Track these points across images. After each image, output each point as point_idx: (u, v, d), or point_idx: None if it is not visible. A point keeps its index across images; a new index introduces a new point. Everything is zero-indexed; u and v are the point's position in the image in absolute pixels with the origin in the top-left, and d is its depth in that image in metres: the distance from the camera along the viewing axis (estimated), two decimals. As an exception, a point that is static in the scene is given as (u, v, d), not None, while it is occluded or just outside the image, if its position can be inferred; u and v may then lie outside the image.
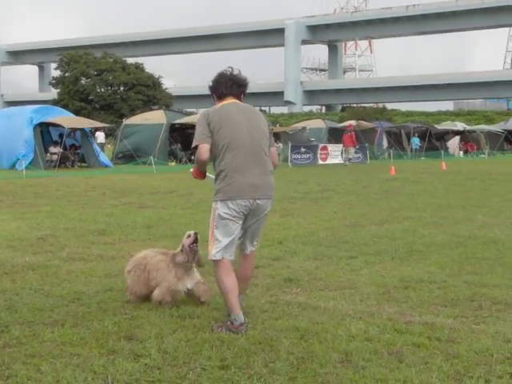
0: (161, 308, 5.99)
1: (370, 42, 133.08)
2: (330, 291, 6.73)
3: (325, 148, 36.96)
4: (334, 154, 36.92)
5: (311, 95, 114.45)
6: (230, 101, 5.54)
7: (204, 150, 5.36)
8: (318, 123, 45.26)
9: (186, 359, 4.68)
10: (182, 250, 5.98)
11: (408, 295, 6.53)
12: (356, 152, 37.04)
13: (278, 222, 11.64)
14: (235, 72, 5.62)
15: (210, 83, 5.65)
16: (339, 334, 5.22)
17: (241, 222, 5.48)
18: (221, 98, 5.57)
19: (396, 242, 9.60)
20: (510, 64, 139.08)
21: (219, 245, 5.39)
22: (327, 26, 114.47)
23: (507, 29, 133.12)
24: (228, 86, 5.52)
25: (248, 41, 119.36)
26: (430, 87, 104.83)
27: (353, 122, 41.55)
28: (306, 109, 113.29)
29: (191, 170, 5.88)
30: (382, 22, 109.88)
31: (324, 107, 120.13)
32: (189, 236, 6.00)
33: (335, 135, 41.66)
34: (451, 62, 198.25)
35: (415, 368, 4.54)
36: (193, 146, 5.45)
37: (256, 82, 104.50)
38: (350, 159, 34.82)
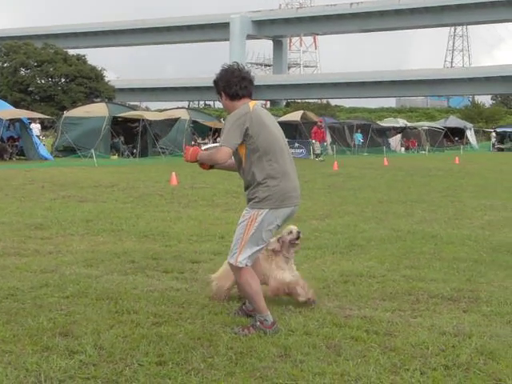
0: (98, 303, 5.90)
1: (314, 38, 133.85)
2: (270, 286, 6.72)
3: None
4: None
5: (256, 90, 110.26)
6: (253, 102, 5.35)
7: (228, 155, 5.14)
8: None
9: (123, 355, 4.61)
10: (278, 240, 5.92)
11: (347, 289, 6.58)
12: (299, 147, 37.22)
13: (220, 217, 11.60)
14: (243, 69, 5.42)
15: (218, 80, 5.38)
16: (279, 329, 5.21)
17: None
18: (234, 98, 5.33)
19: (337, 237, 9.67)
20: (451, 62, 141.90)
21: (250, 252, 5.22)
22: (272, 22, 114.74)
23: (448, 28, 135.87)
24: (243, 86, 5.31)
25: (192, 35, 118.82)
26: (373, 84, 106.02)
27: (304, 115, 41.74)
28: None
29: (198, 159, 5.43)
30: (327, 18, 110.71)
31: (269, 102, 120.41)
32: (290, 232, 5.96)
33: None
34: (394, 60, 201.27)
35: (353, 361, 4.57)
36: (220, 144, 5.17)
37: (201, 76, 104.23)
38: (317, 155, 34.89)
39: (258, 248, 5.26)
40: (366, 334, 5.14)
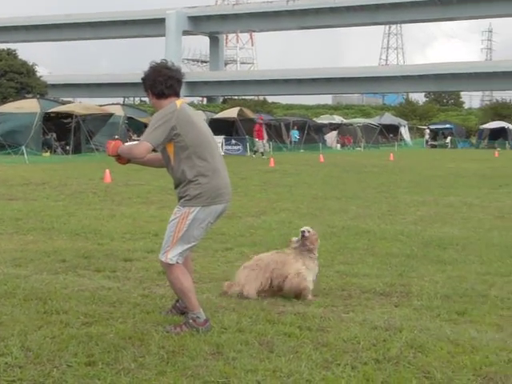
0: (26, 304, 5.75)
1: (251, 35, 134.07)
2: (204, 283, 6.69)
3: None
4: (215, 146, 36.81)
5: (192, 87, 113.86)
6: (180, 101, 5.28)
7: (147, 150, 5.09)
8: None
9: (51, 356, 4.50)
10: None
11: (281, 286, 6.57)
12: (236, 144, 37.23)
13: (154, 214, 11.49)
14: (172, 67, 5.33)
15: (145, 78, 5.31)
16: (212, 326, 5.18)
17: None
18: (160, 97, 5.26)
19: (272, 234, 9.69)
20: (386, 60, 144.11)
21: (181, 249, 5.18)
22: (209, 18, 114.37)
23: (383, 26, 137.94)
24: (168, 85, 5.22)
25: (127, 30, 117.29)
26: (309, 81, 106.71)
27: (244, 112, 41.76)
28: (187, 100, 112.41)
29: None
30: (263, 15, 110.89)
31: (205, 99, 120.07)
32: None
33: (216, 127, 41.63)
34: (330, 57, 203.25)
35: (285, 357, 4.57)
36: (142, 139, 5.12)
37: (136, 72, 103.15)
38: (255, 152, 34.86)
39: (189, 246, 5.24)
40: (298, 330, 5.15)
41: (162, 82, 5.22)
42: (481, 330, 5.24)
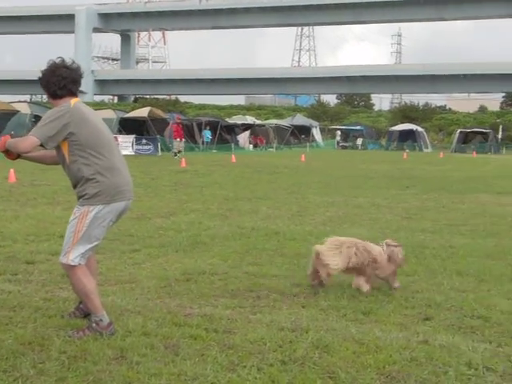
0: None
1: (163, 34, 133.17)
2: (109, 286, 6.55)
3: (115, 139, 36.19)
4: (125, 145, 36.35)
5: (103, 85, 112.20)
6: (74, 99, 5.13)
7: (33, 145, 4.94)
8: (108, 113, 44.32)
9: None
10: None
11: (189, 287, 6.52)
12: (146, 144, 36.84)
13: (60, 215, 11.18)
14: (70, 66, 5.19)
15: (41, 78, 5.17)
16: (116, 330, 5.07)
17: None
18: (54, 97, 5.13)
19: (181, 235, 9.60)
20: (298, 62, 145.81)
21: (82, 249, 5.02)
22: (120, 15, 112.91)
23: (296, 28, 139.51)
24: (62, 86, 5.08)
25: (34, 26, 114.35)
26: (223, 81, 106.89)
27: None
28: (98, 98, 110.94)
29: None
30: (176, 14, 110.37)
31: (116, 97, 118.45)
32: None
33: (126, 126, 41.09)
34: (243, 58, 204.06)
35: (190, 360, 4.52)
36: (29, 134, 4.97)
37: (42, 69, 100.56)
38: (176, 153, 34.48)
39: (90, 246, 5.12)
40: (205, 333, 5.10)
41: (55, 82, 5.10)
42: (385, 329, 5.32)
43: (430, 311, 5.88)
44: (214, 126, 46.49)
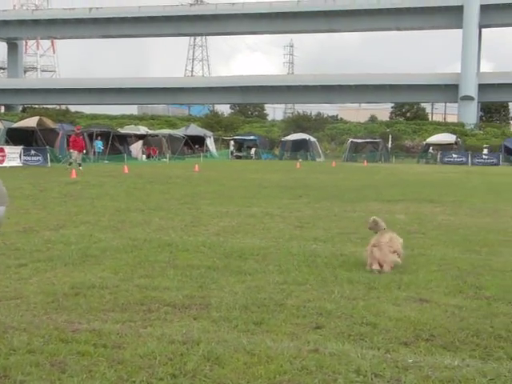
0: None
1: (52, 42, 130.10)
2: (-7, 303, 6.27)
3: (1, 150, 35.06)
4: (12, 157, 35.18)
5: None
6: None
7: None
8: (-6, 123, 42.95)
9: None
10: None
11: (78, 302, 6.33)
12: (35, 154, 35.81)
13: None
14: None
15: None
16: (-1, 349, 4.85)
17: None
18: None
19: (70, 248, 9.33)
20: (191, 72, 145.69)
21: None
22: (6, 23, 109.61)
23: (189, 37, 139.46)
24: None
25: None
26: (115, 91, 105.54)
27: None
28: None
29: None
30: (65, 22, 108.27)
31: (3, 107, 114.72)
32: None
33: (14, 136, 39.82)
34: (136, 67, 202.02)
35: (78, 377, 4.39)
36: None
37: None
38: (70, 163, 33.49)
39: None
40: (93, 348, 4.95)
41: None
42: (277, 339, 5.32)
43: (320, 320, 5.94)
44: (105, 137, 45.76)
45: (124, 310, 6.14)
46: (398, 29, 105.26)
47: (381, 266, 8.04)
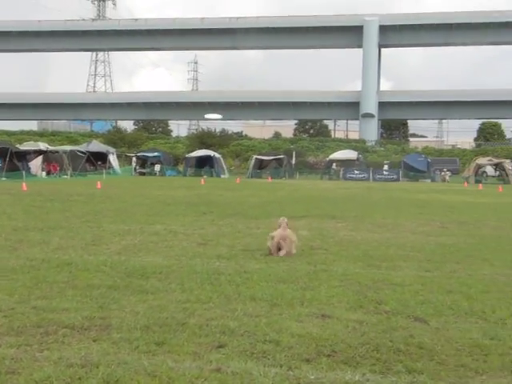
0: None
1: None
2: None
3: None
4: None
5: None
6: None
7: None
8: None
9: None
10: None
11: (-30, 327, 6.04)
12: None
13: None
14: None
15: None
16: None
17: None
18: None
19: (-38, 269, 8.94)
20: (94, 87, 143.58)
21: None
22: None
23: (90, 53, 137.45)
24: None
25: None
26: (15, 106, 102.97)
27: None
28: None
29: None
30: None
31: None
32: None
33: None
34: (36, 82, 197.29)
35: (-32, 409, 4.16)
36: None
37: None
38: None
39: None
40: (-16, 376, 4.73)
41: None
42: (179, 359, 5.24)
43: (223, 338, 5.89)
44: (3, 153, 44.38)
45: (19, 333, 5.90)
46: (300, 47, 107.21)
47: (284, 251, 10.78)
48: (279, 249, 10.84)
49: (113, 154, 62.88)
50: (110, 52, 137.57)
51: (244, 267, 9.64)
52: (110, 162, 60.70)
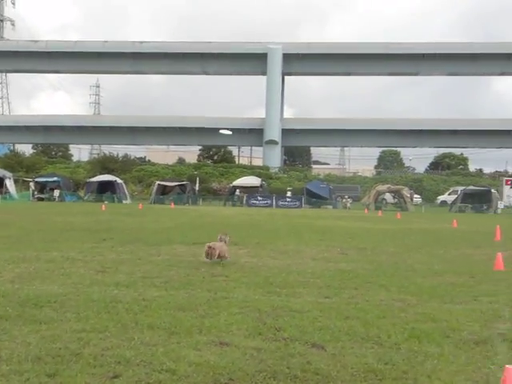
0: None
1: None
2: None
3: None
4: None
5: None
6: None
7: None
8: None
9: None
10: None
11: None
12: None
13: None
14: None
15: None
16: None
17: None
18: None
19: None
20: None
21: None
22: None
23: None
24: None
25: None
26: None
27: None
28: None
29: None
30: None
31: None
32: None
33: None
34: None
35: None
36: None
37: None
38: None
39: None
40: None
41: None
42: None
43: (119, 368, 5.74)
44: None
45: None
46: (206, 73, 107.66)
47: (221, 257, 13.45)
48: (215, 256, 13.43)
49: (9, 178, 61.06)
50: (7, 74, 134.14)
51: (143, 295, 9.48)
52: (6, 186, 58.89)
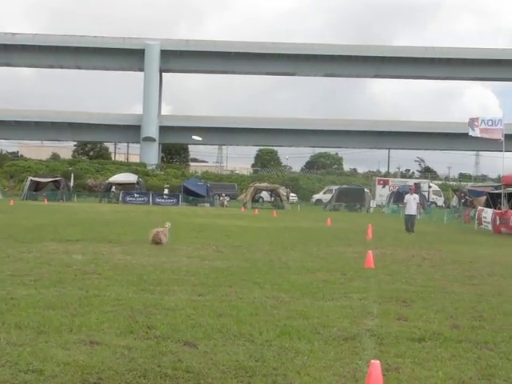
0: None
1: None
2: None
3: None
4: None
5: None
6: None
7: None
8: None
9: None
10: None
11: None
12: None
13: None
14: None
15: None
16: None
17: None
18: None
19: None
20: None
21: None
22: None
23: None
24: None
25: None
26: None
27: None
28: None
29: None
30: None
31: None
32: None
33: None
34: None
35: None
36: None
37: None
38: None
39: None
40: None
41: None
42: None
43: (-19, 370, 5.54)
44: None
45: None
46: (79, 67, 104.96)
47: (159, 242, 17.14)
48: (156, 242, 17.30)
49: None
50: None
51: (11, 293, 9.19)
52: None
